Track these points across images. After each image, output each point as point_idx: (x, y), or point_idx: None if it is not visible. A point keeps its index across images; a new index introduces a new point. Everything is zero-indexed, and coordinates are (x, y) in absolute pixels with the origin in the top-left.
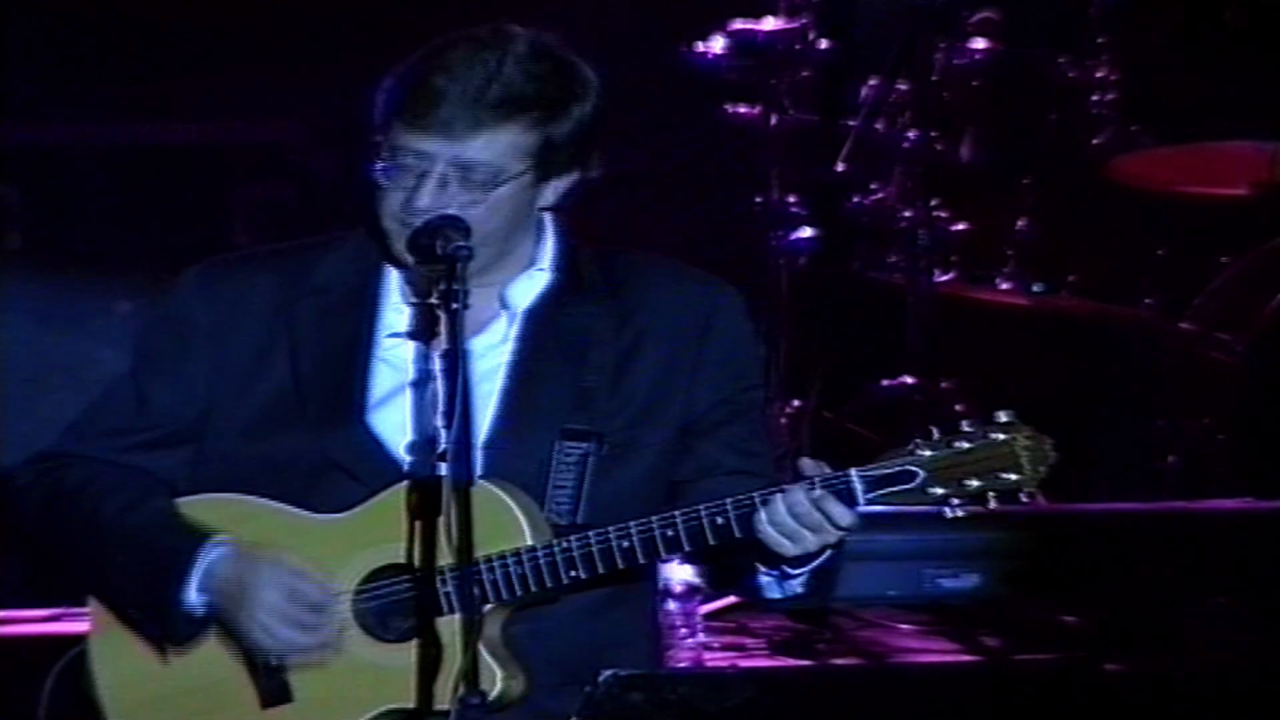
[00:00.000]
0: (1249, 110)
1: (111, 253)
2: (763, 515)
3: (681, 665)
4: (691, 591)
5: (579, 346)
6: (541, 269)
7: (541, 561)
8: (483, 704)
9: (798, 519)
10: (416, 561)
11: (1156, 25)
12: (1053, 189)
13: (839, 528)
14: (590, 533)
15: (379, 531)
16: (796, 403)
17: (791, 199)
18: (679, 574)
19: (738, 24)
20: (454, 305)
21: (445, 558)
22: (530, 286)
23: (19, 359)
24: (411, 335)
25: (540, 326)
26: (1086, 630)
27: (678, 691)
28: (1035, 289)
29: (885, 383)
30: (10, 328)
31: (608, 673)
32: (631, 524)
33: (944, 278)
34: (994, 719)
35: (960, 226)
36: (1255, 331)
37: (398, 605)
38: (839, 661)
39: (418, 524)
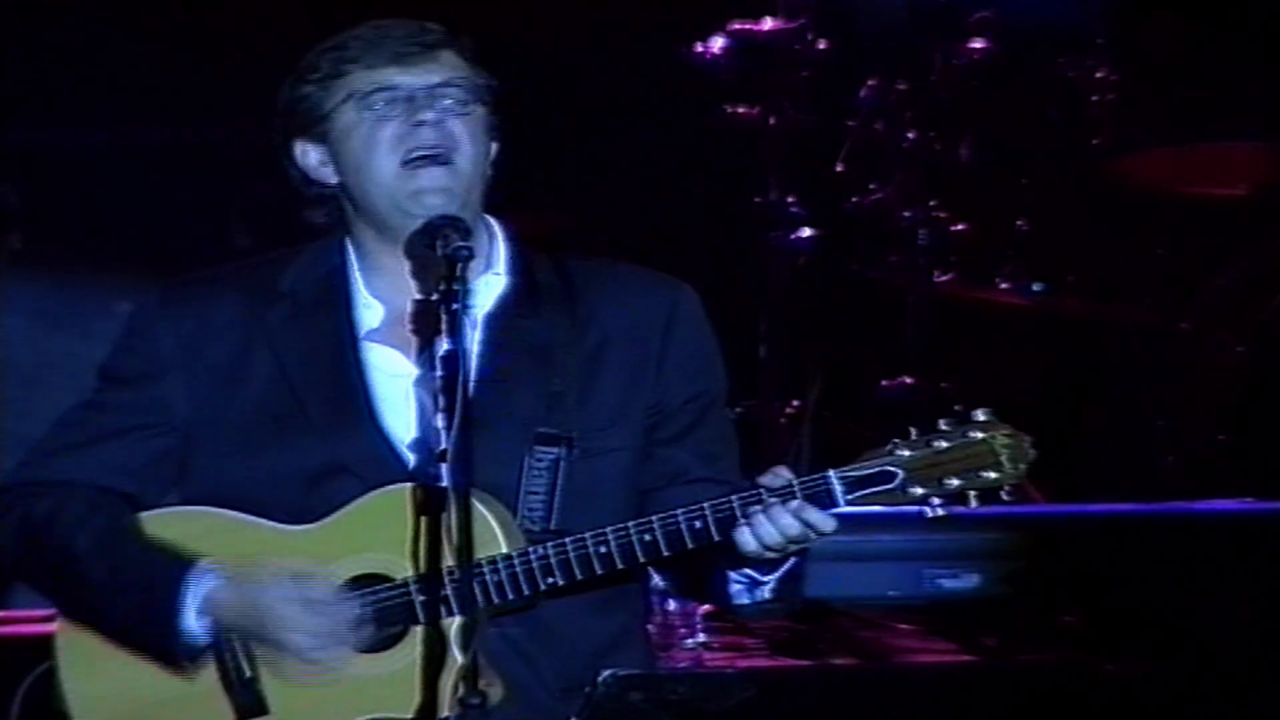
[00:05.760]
0: (1249, 110)
1: (111, 253)
2: (744, 526)
3: (681, 665)
4: None
5: (543, 351)
6: (498, 273)
7: (518, 569)
8: (483, 704)
9: (780, 530)
10: (421, 565)
11: (1156, 25)
12: (1053, 189)
13: (820, 534)
14: (567, 540)
15: (349, 542)
16: (796, 403)
17: (791, 199)
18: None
19: (737, 24)
20: (454, 305)
21: (416, 569)
22: (488, 291)
23: (19, 359)
24: (413, 333)
25: (502, 331)
26: (1086, 630)
27: (678, 691)
28: (1035, 289)
29: (885, 383)
30: (10, 328)
31: (607, 673)
32: (608, 530)
33: (944, 278)
34: (994, 719)
35: (960, 226)
36: (1255, 331)
37: (371, 615)
38: (839, 661)
39: (423, 526)
